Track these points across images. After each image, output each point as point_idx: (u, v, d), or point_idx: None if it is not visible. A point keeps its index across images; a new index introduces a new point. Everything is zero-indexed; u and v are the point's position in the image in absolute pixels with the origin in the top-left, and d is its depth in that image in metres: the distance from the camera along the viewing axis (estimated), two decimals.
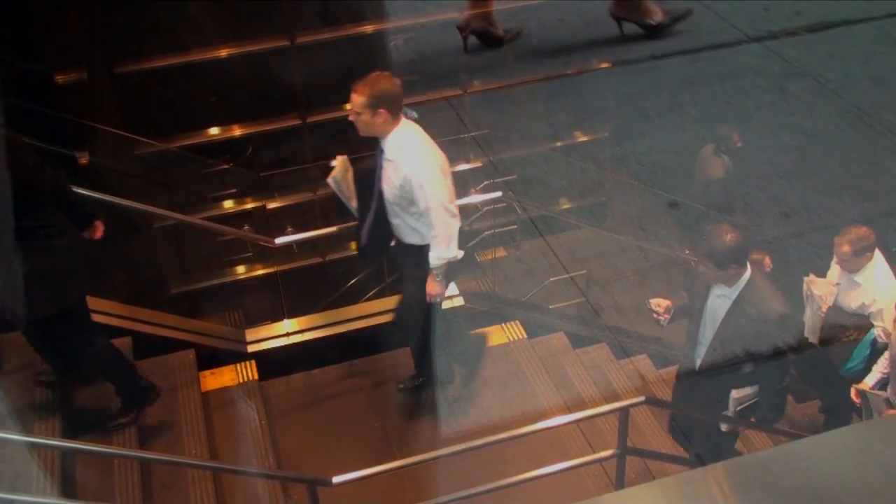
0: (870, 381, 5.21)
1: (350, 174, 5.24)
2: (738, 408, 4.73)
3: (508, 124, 8.61)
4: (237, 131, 7.08)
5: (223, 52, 6.73)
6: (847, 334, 5.52)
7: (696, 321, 4.73)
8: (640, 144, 9.18)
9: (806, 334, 5.67)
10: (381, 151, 4.97)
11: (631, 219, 8.45)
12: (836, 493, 1.84)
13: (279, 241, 5.85)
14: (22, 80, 5.71)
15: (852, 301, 5.39)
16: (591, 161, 8.28)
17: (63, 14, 6.17)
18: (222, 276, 6.83)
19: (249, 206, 7.24)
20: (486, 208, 6.53)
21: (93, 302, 5.37)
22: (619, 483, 4.80)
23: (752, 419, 4.90)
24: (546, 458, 4.89)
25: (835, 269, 5.53)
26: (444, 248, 4.93)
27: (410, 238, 5.10)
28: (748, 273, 4.53)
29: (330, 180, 5.19)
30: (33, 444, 4.22)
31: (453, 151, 7.78)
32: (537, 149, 8.37)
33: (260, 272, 6.82)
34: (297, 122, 7.10)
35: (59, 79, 6.13)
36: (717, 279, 4.56)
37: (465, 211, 6.71)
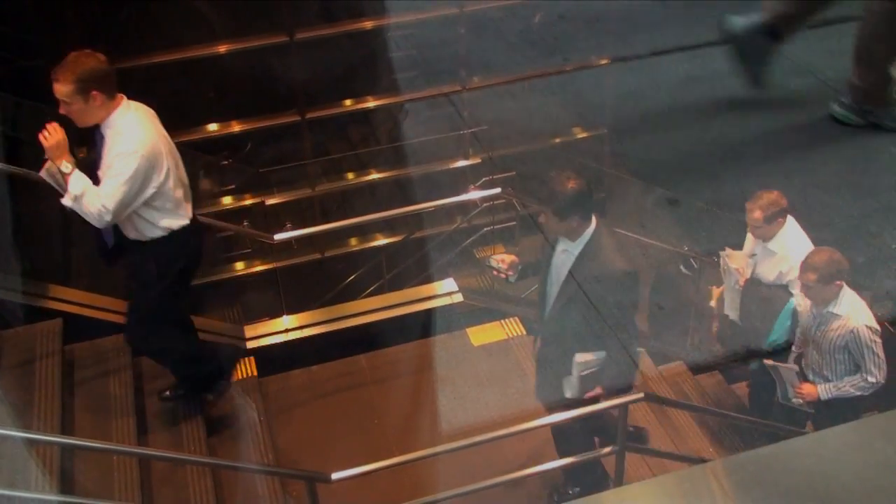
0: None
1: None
2: (583, 372, 4.39)
3: (507, 120, 8.59)
4: (236, 127, 7.08)
5: (222, 48, 6.72)
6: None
7: (543, 278, 4.45)
8: (639, 141, 9.17)
9: (726, 311, 5.50)
10: (102, 138, 4.31)
11: (630, 215, 8.44)
12: (836, 490, 1.84)
13: (278, 237, 5.85)
14: (20, 75, 5.70)
15: (769, 272, 5.19)
16: (591, 157, 8.27)
17: (61, 10, 6.16)
18: (221, 273, 6.83)
19: (248, 202, 7.24)
20: (484, 205, 6.52)
21: (93, 298, 5.38)
22: (619, 480, 4.80)
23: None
24: (545, 455, 4.89)
25: (749, 240, 5.33)
26: (79, 200, 4.17)
27: (130, 233, 4.49)
28: (592, 226, 4.20)
29: (43, 172, 4.32)
30: (32, 441, 4.22)
31: (452, 147, 7.79)
32: (536, 145, 8.36)
33: (259, 268, 6.81)
34: (296, 118, 7.09)
35: None
36: (558, 231, 4.22)
37: (464, 207, 6.71)
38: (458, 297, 6.38)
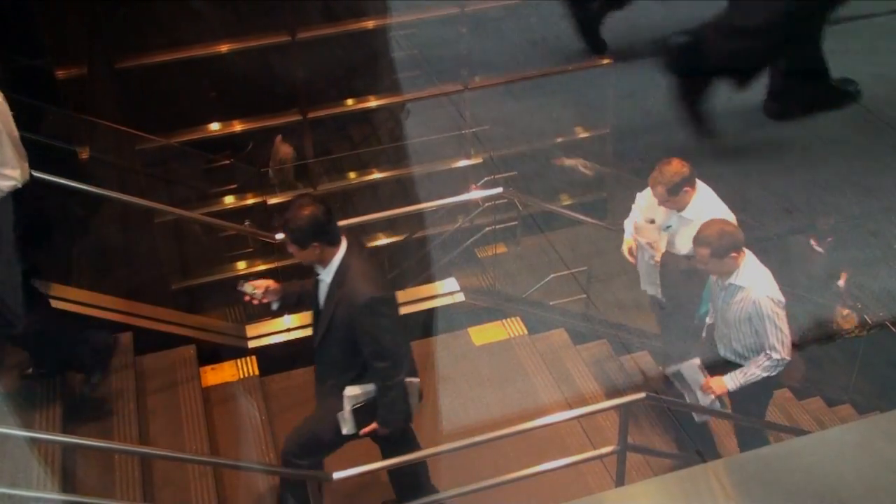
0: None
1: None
2: (355, 406, 4.20)
3: (509, 120, 8.59)
4: (238, 127, 7.08)
5: (224, 48, 6.73)
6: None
7: (313, 307, 4.26)
8: (641, 141, 9.16)
9: (643, 287, 5.32)
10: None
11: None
12: (836, 489, 1.84)
13: (280, 236, 5.84)
14: (23, 74, 5.71)
15: (686, 242, 4.90)
16: (593, 157, 8.27)
17: (64, 9, 6.17)
18: (223, 272, 6.84)
19: (250, 201, 7.25)
20: (486, 204, 6.52)
21: (94, 297, 5.38)
22: (620, 480, 4.79)
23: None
24: (547, 455, 4.89)
25: (661, 211, 5.05)
26: None
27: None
28: (341, 253, 3.99)
29: None
30: (34, 440, 4.22)
31: (454, 147, 7.79)
32: (538, 145, 8.36)
33: (261, 268, 6.82)
34: (297, 117, 7.09)
35: (60, 74, 6.13)
36: (305, 259, 4.01)
37: (465, 207, 6.71)
38: (460, 297, 6.38)
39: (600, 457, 4.87)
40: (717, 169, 9.00)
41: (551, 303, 6.81)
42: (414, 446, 4.58)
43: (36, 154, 4.52)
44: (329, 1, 7.32)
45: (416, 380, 4.32)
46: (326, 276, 4.03)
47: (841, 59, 9.47)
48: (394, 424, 4.28)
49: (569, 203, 8.18)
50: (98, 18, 6.45)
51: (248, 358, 5.88)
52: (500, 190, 6.37)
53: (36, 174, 4.46)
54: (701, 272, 4.80)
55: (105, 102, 6.62)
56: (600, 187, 8.31)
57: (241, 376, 5.75)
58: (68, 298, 5.23)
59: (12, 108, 4.33)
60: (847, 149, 9.30)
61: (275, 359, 5.95)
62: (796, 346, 5.17)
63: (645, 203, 5.21)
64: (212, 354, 5.86)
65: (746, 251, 4.58)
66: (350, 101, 7.35)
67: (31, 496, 3.99)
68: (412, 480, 4.70)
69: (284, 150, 7.30)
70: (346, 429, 4.25)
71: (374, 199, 7.64)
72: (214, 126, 7.04)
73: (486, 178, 7.36)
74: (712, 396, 4.73)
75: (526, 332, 6.29)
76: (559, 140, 8.28)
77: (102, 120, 6.35)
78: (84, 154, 6.02)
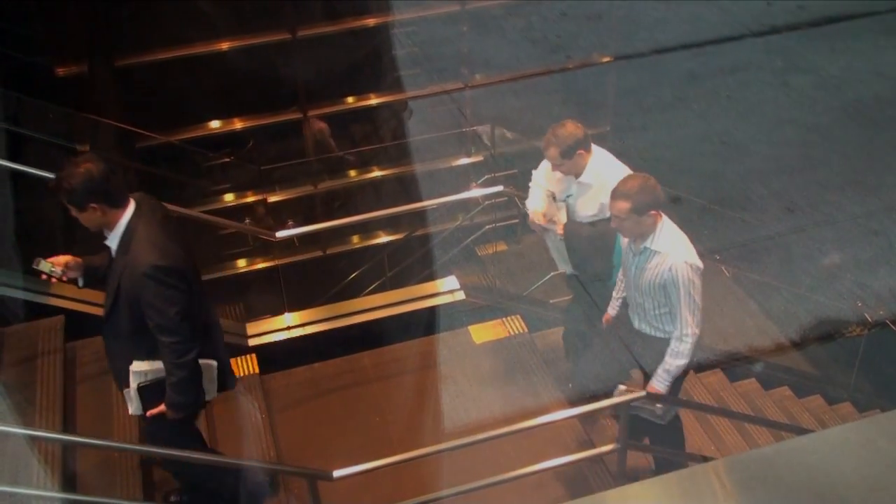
0: (612, 311, 4.71)
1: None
2: (141, 383, 3.78)
3: (510, 118, 8.59)
4: (238, 125, 7.08)
5: (224, 46, 6.72)
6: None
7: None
8: (641, 139, 9.16)
9: (560, 269, 5.13)
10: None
11: None
12: (838, 488, 1.83)
13: (280, 234, 5.84)
14: (23, 72, 5.70)
15: (589, 206, 4.69)
16: None
17: (65, 7, 6.16)
18: (223, 270, 6.84)
19: (250, 199, 7.24)
20: (487, 202, 6.51)
21: (93, 295, 5.37)
22: (621, 478, 4.79)
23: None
24: (547, 453, 4.88)
25: (559, 186, 4.84)
26: None
27: None
28: (126, 216, 3.61)
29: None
30: (34, 438, 4.22)
31: (454, 145, 7.79)
32: (539, 143, 8.35)
33: (261, 266, 6.82)
34: (298, 115, 7.09)
35: (61, 71, 6.13)
36: (88, 222, 3.61)
37: (466, 205, 6.71)
38: (461, 295, 6.37)
39: (601, 455, 4.87)
40: (718, 167, 9.02)
41: (552, 301, 6.80)
42: (195, 444, 4.18)
43: (36, 151, 4.51)
44: None
45: (212, 362, 3.89)
46: (112, 241, 3.65)
47: (841, 57, 9.47)
48: (183, 409, 3.79)
49: None
50: (98, 16, 6.44)
51: (248, 356, 5.88)
52: (500, 188, 6.37)
53: (36, 172, 4.46)
54: (607, 237, 4.56)
55: (105, 100, 6.62)
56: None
57: (242, 374, 5.74)
58: (69, 296, 5.22)
59: (12, 108, 4.31)
60: (848, 147, 9.29)
61: (275, 357, 5.95)
62: (799, 344, 5.16)
63: (544, 180, 4.97)
64: None
65: (663, 215, 4.21)
66: (350, 99, 7.35)
67: (31, 495, 3.98)
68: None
69: (318, 125, 7.29)
70: (132, 408, 3.83)
71: (374, 196, 7.64)
72: (215, 124, 7.03)
73: (486, 176, 7.35)
74: (657, 405, 4.46)
75: (526, 330, 6.28)
76: None
77: (103, 118, 6.35)
78: (84, 151, 6.02)
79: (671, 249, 4.14)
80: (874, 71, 10.21)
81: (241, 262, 6.92)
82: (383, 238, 7.15)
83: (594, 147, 4.70)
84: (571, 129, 4.58)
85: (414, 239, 6.88)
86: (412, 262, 6.74)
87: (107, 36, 6.57)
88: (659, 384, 4.38)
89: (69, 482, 4.31)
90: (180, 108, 6.92)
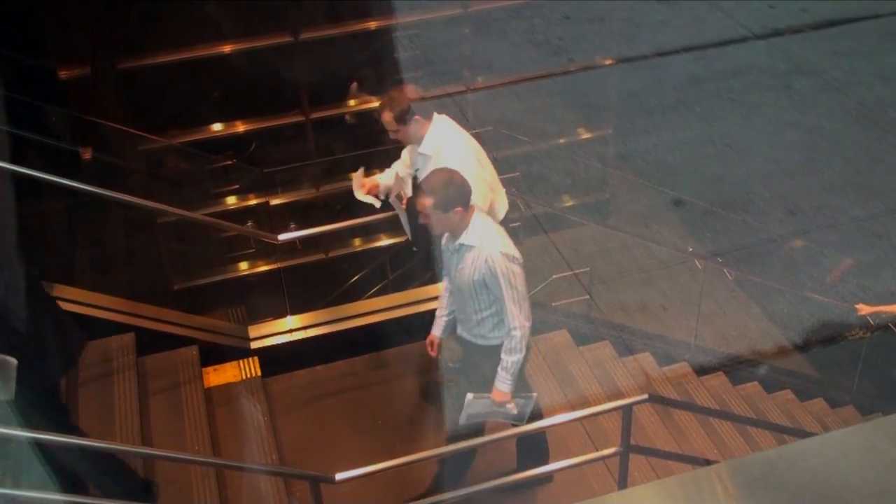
0: (437, 331, 4.46)
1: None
2: None
3: (512, 121, 8.59)
4: (241, 127, 7.08)
5: (227, 49, 6.73)
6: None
7: None
8: (644, 141, 9.17)
9: (413, 241, 5.03)
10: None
11: (635, 216, 8.44)
12: (841, 492, 1.83)
13: (282, 237, 5.84)
14: (26, 75, 5.71)
15: None
16: (595, 158, 8.27)
17: (67, 10, 6.17)
18: (225, 273, 6.84)
19: (253, 202, 7.24)
20: None
21: (96, 298, 5.38)
22: (623, 481, 4.78)
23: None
24: (549, 456, 4.88)
25: (410, 155, 4.69)
26: None
27: None
28: None
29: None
30: (36, 440, 4.22)
31: None
32: (541, 145, 8.36)
33: (263, 268, 6.82)
34: (300, 118, 7.09)
35: (63, 74, 6.14)
36: None
37: None
38: None
39: (603, 458, 4.86)
40: (720, 170, 9.02)
41: (554, 304, 6.80)
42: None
43: (38, 154, 4.52)
44: (332, 2, 7.32)
45: (11, 360, 3.59)
46: None
47: (844, 59, 9.46)
48: None
49: (572, 204, 8.18)
50: (101, 19, 6.45)
51: (250, 359, 5.87)
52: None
53: (38, 174, 4.46)
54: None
55: (108, 103, 6.63)
56: (604, 188, 8.31)
57: (244, 377, 5.74)
58: (71, 299, 5.23)
59: (13, 108, 4.32)
60: (851, 150, 9.28)
61: (277, 359, 5.95)
62: (801, 347, 5.15)
63: (405, 155, 4.87)
64: (214, 355, 5.85)
65: (476, 208, 4.07)
66: (353, 102, 7.35)
67: (31, 496, 3.98)
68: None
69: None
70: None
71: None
72: (217, 127, 7.03)
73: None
74: (509, 405, 4.25)
75: None
76: (562, 141, 8.28)
77: (105, 120, 6.36)
78: (86, 154, 6.03)
79: (484, 242, 4.00)
80: (877, 74, 10.21)
81: (244, 265, 6.93)
82: (385, 241, 7.15)
83: (438, 117, 4.52)
84: (409, 93, 4.42)
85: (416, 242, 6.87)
86: (414, 265, 6.73)
87: (110, 39, 6.58)
88: (502, 385, 4.19)
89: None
90: (182, 110, 6.93)
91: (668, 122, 9.51)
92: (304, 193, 7.20)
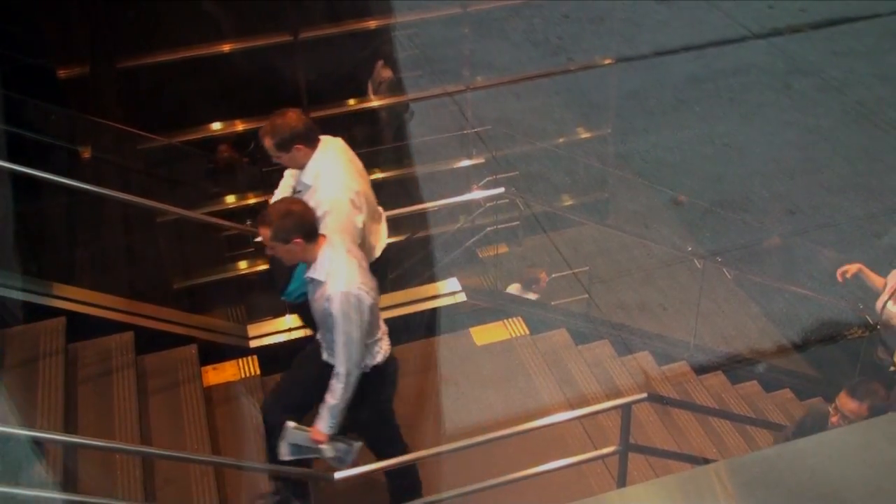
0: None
1: None
2: None
3: (511, 120, 8.59)
4: (240, 126, 7.08)
5: (226, 48, 6.73)
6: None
7: None
8: (643, 141, 9.17)
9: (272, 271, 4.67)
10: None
11: (634, 215, 8.44)
12: (839, 490, 1.83)
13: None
14: (25, 74, 5.71)
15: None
16: (594, 157, 8.27)
17: (67, 9, 6.17)
18: (224, 272, 6.83)
19: (252, 201, 7.24)
20: (488, 204, 6.51)
21: (95, 296, 5.38)
22: (622, 480, 4.79)
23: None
24: (548, 455, 4.88)
25: (289, 176, 4.54)
26: None
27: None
28: None
29: None
30: (35, 439, 4.22)
31: (456, 147, 7.79)
32: (540, 145, 8.36)
33: (262, 267, 6.81)
34: None
35: (63, 73, 6.13)
36: None
37: (467, 207, 6.71)
38: (462, 297, 6.36)
39: (602, 457, 4.87)
40: (719, 169, 9.02)
41: (553, 303, 6.81)
42: None
43: (38, 153, 4.52)
44: (332, 1, 7.33)
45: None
46: None
47: (843, 59, 9.47)
48: None
49: (571, 203, 8.18)
50: (100, 18, 6.46)
51: (249, 357, 5.87)
52: (501, 190, 6.37)
53: (37, 173, 4.46)
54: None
55: (107, 102, 6.63)
56: (603, 187, 8.31)
57: (243, 376, 5.74)
58: (70, 298, 5.23)
59: (12, 107, 4.32)
60: (850, 150, 9.29)
61: (276, 358, 5.95)
62: (800, 346, 5.15)
63: (292, 180, 4.65)
64: (213, 354, 5.85)
65: (333, 240, 3.93)
66: (352, 101, 7.36)
67: (32, 496, 3.99)
68: None
69: (385, 73, 7.42)
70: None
71: (376, 198, 7.63)
72: (217, 125, 7.04)
73: (487, 178, 7.36)
74: (325, 447, 4.07)
75: (528, 332, 6.28)
76: (562, 140, 8.29)
77: (104, 119, 6.36)
78: (86, 153, 6.03)
79: (329, 278, 3.85)
80: (876, 73, 10.21)
81: (243, 264, 6.92)
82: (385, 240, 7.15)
83: (325, 144, 4.32)
84: (291, 120, 4.21)
85: (415, 241, 6.88)
86: (413, 264, 6.74)
87: (109, 38, 6.58)
88: (322, 425, 4.01)
89: (70, 482, 4.32)
90: (182, 109, 6.93)
91: (668, 122, 9.52)
92: None
